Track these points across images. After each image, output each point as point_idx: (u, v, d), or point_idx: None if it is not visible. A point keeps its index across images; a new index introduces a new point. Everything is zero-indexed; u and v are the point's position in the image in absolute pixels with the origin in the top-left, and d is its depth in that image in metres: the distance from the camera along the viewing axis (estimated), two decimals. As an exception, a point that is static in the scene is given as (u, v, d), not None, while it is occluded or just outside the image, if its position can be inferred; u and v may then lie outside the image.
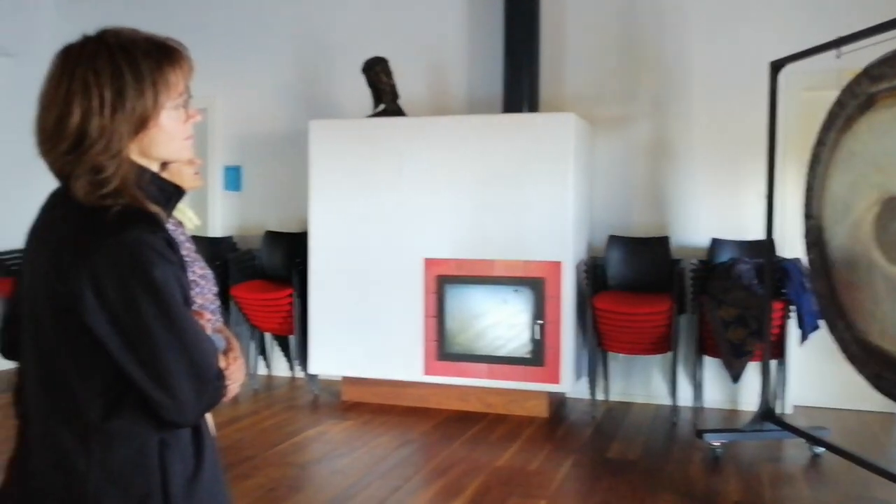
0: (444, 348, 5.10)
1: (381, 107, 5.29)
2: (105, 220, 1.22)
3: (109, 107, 1.25)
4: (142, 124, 1.29)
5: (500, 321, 5.02)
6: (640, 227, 5.41)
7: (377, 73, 5.22)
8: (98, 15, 6.46)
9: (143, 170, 1.32)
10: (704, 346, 4.94)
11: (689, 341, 5.11)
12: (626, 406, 5.32)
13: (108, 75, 1.25)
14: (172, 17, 6.32)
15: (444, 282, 5.08)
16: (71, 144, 1.25)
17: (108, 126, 1.25)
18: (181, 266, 1.27)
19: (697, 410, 5.07)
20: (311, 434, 4.73)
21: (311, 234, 5.37)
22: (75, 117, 1.24)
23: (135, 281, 1.20)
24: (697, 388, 5.05)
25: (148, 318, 1.21)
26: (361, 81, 5.41)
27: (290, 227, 6.04)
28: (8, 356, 1.50)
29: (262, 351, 6.05)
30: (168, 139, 1.34)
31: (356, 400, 5.37)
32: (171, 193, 1.38)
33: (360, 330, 5.26)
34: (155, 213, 1.28)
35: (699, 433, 4.37)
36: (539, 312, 4.92)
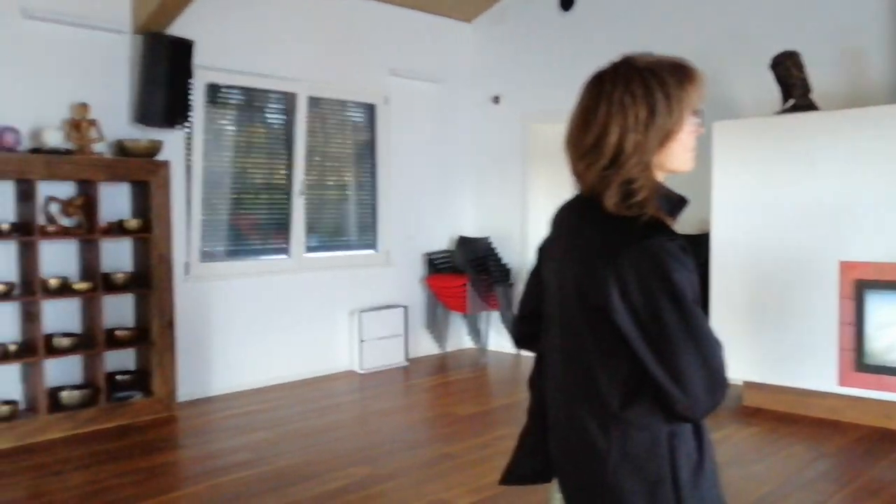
0: (862, 359, 4.71)
1: (791, 102, 5.03)
2: (631, 229, 1.36)
3: (643, 124, 1.39)
4: (666, 138, 1.42)
5: (931, 332, 4.51)
6: None
7: (787, 68, 4.97)
8: (509, 45, 6.97)
9: (658, 181, 1.46)
10: None
11: None
12: None
13: (641, 96, 1.39)
14: (570, 37, 6.64)
15: (864, 287, 4.69)
16: (610, 160, 1.41)
17: (641, 141, 1.39)
18: (693, 271, 1.37)
19: None
20: (716, 437, 4.65)
21: (714, 235, 5.30)
22: (613, 135, 1.40)
23: (657, 284, 1.32)
24: None
25: (668, 320, 1.32)
26: (760, 78, 5.20)
27: (689, 228, 6.01)
28: (520, 346, 1.75)
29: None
30: (682, 151, 1.46)
31: (758, 406, 5.19)
32: (676, 203, 1.49)
33: (765, 334, 5.07)
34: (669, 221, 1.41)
35: None
36: (984, 324, 4.32)
